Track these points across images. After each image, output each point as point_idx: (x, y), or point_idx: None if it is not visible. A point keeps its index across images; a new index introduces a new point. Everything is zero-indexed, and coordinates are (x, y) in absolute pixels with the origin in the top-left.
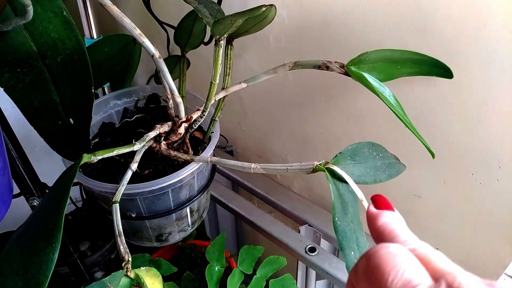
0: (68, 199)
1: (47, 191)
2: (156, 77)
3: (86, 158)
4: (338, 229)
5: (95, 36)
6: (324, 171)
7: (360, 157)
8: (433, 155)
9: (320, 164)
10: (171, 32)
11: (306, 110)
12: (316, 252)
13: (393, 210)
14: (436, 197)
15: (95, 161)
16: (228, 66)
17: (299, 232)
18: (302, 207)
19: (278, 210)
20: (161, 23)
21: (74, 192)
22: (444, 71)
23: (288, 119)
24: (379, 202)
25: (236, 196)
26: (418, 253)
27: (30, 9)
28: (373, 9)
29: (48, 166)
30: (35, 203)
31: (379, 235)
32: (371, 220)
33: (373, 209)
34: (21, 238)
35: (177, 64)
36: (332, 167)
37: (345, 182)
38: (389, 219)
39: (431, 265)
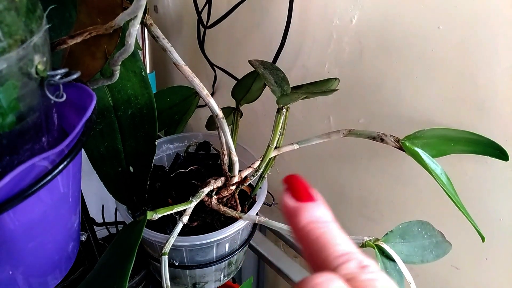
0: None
1: (94, 226)
2: (208, 123)
3: (149, 215)
4: None
5: (148, 71)
6: (374, 248)
7: (409, 235)
8: (483, 239)
9: (370, 240)
10: (218, 72)
11: (346, 163)
12: None
13: (315, 199)
14: (476, 272)
15: (156, 218)
16: (283, 127)
17: None
18: None
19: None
20: (212, 65)
21: (109, 216)
22: (499, 153)
23: (326, 169)
24: (296, 189)
25: (264, 239)
26: (361, 281)
27: (117, 73)
28: (428, 80)
29: (86, 188)
30: (83, 238)
31: (304, 240)
32: (291, 218)
33: (290, 202)
34: None
35: (230, 115)
36: (382, 245)
37: (393, 260)
38: (314, 218)
39: None
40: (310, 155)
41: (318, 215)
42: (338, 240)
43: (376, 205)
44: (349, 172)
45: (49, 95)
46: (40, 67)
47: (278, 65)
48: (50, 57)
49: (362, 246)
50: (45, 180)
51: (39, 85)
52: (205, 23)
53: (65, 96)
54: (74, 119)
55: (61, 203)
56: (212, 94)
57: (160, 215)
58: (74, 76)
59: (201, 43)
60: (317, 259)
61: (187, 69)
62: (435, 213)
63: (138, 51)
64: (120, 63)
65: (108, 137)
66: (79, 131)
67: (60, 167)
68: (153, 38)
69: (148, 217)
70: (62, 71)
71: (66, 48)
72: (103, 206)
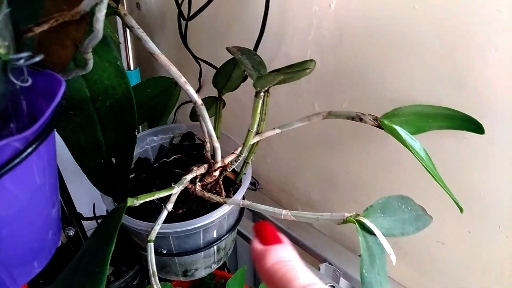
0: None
1: (82, 221)
2: (192, 114)
3: (130, 202)
4: (365, 280)
5: (132, 68)
6: (355, 223)
7: (390, 210)
8: (461, 210)
9: (350, 216)
10: (203, 65)
11: (333, 149)
12: None
13: (281, 241)
14: (461, 246)
15: (137, 204)
16: (264, 112)
17: (319, 270)
18: (323, 245)
19: (299, 245)
20: (196, 58)
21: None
22: (475, 127)
23: (314, 157)
24: (264, 234)
25: None
26: None
27: (91, 62)
28: (407, 60)
29: (78, 187)
30: (71, 233)
31: (270, 280)
32: (258, 261)
33: (258, 246)
34: (68, 279)
35: (213, 105)
36: (362, 220)
37: (374, 234)
38: (280, 258)
39: None
40: (298, 143)
41: (283, 255)
42: (300, 275)
43: (364, 188)
44: (336, 158)
45: (13, 80)
46: (1, 51)
47: (261, 55)
48: (13, 42)
49: (344, 222)
50: (15, 162)
51: (1, 69)
52: (185, 15)
53: (30, 81)
54: (45, 107)
55: (36, 188)
56: (199, 88)
57: (141, 201)
58: (38, 59)
59: (183, 36)
60: None
61: (163, 58)
62: (421, 191)
63: (115, 42)
64: (90, 50)
65: (88, 129)
66: (48, 116)
67: (29, 150)
68: (128, 28)
69: (129, 203)
70: (25, 54)
71: (35, 38)
72: (94, 204)
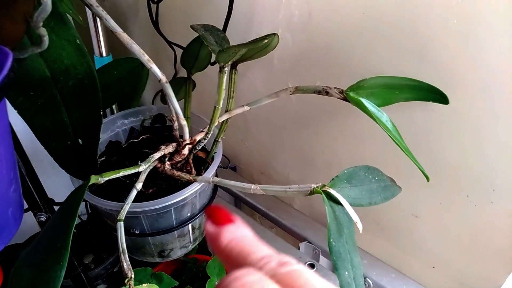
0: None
1: (54, 206)
2: (163, 96)
3: (94, 179)
4: (333, 249)
5: (104, 55)
6: (321, 194)
7: (356, 180)
8: (427, 178)
9: (317, 187)
10: (178, 51)
11: (308, 130)
12: (315, 269)
13: (233, 221)
14: (433, 218)
15: (102, 182)
16: (232, 89)
17: (299, 249)
18: (302, 224)
19: (279, 226)
20: (169, 43)
21: (81, 206)
22: (440, 97)
23: (291, 138)
24: (216, 216)
25: (238, 212)
26: (281, 274)
27: (46, 39)
28: (373, 35)
29: (54, 179)
30: (42, 218)
31: (228, 258)
32: (213, 242)
33: (210, 227)
34: (31, 255)
35: (183, 86)
36: (328, 190)
37: (341, 204)
38: (234, 236)
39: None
40: (275, 126)
41: (238, 233)
42: (258, 248)
43: (339, 166)
44: (312, 139)
45: None
46: None
47: (233, 36)
48: None
49: (311, 193)
50: None
51: None
52: None
53: None
54: None
55: None
56: (175, 74)
57: (106, 178)
58: None
59: (154, 21)
60: None
61: (125, 36)
62: (394, 166)
63: (81, 25)
64: (41, 24)
65: (52, 111)
66: None
67: None
68: (87, 6)
69: (93, 181)
70: None
71: None
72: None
